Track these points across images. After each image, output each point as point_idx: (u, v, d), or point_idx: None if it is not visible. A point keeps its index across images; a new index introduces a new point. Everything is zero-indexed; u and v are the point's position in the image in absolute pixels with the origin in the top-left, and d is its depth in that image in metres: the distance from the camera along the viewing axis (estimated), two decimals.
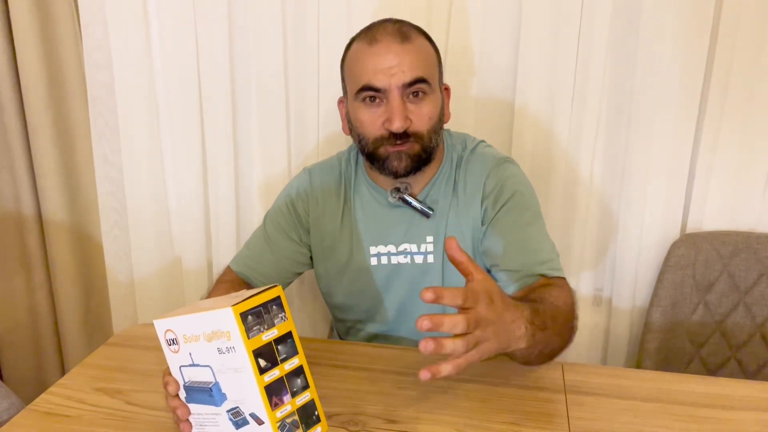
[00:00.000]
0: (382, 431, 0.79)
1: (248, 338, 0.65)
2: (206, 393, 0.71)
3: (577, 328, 0.93)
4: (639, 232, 1.32)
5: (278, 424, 0.66)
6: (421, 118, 0.98)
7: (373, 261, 1.08)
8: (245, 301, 0.66)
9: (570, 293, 0.94)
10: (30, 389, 1.55)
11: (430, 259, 1.07)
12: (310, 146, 1.43)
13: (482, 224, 1.04)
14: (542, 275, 0.96)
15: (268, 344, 0.67)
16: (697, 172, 1.30)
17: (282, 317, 0.69)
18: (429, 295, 0.65)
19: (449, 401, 0.86)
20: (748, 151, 1.26)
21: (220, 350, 0.67)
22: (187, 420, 0.75)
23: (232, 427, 0.69)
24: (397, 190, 1.05)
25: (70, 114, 1.46)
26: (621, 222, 1.34)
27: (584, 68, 1.26)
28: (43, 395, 0.85)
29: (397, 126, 0.95)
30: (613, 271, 1.37)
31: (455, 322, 0.65)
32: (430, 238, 1.06)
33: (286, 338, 0.69)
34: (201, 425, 0.74)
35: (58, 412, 0.82)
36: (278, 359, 0.67)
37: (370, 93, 0.97)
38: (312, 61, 1.36)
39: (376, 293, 1.10)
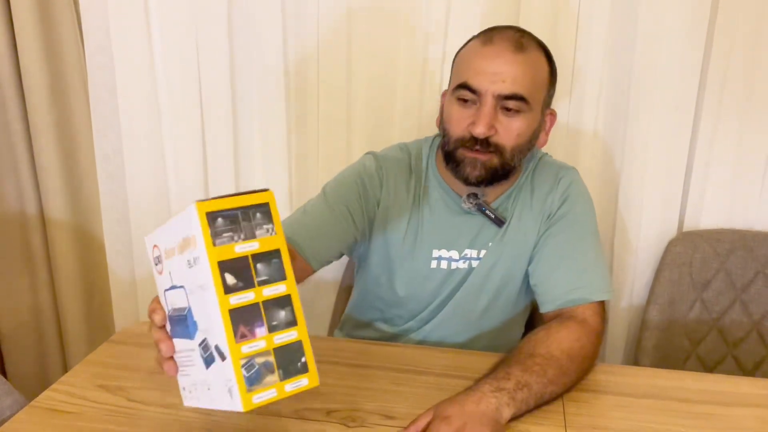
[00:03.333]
0: (381, 427, 0.80)
1: (213, 245, 0.51)
2: (184, 323, 0.59)
3: (590, 367, 0.93)
4: (636, 230, 1.32)
5: (243, 362, 0.52)
6: (508, 132, 0.95)
7: (433, 264, 1.06)
8: (218, 199, 0.53)
9: (586, 332, 0.92)
10: (33, 387, 1.56)
11: (475, 264, 1.06)
12: (311, 144, 1.43)
13: (542, 226, 1.04)
14: (572, 303, 0.97)
15: (243, 259, 0.53)
16: (694, 171, 1.30)
17: (268, 230, 0.54)
18: None
19: (446, 398, 0.87)
20: (746, 150, 1.26)
21: (189, 263, 0.54)
22: (171, 358, 0.64)
23: (203, 366, 0.57)
24: (474, 196, 1.03)
25: (72, 114, 1.47)
26: (618, 220, 1.34)
27: (582, 64, 1.27)
28: (45, 392, 0.86)
29: (479, 131, 0.93)
30: (611, 270, 1.38)
31: None
32: (490, 243, 1.05)
33: (270, 257, 0.54)
34: (183, 366, 0.63)
35: (61, 409, 0.83)
36: (255, 280, 0.53)
37: (467, 93, 0.95)
38: (312, 59, 1.36)
39: (426, 296, 1.09)
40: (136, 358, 0.97)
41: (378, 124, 1.37)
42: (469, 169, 0.97)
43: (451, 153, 0.99)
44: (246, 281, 0.53)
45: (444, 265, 1.07)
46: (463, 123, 0.96)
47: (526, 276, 1.07)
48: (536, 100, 0.97)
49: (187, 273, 0.56)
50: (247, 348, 0.52)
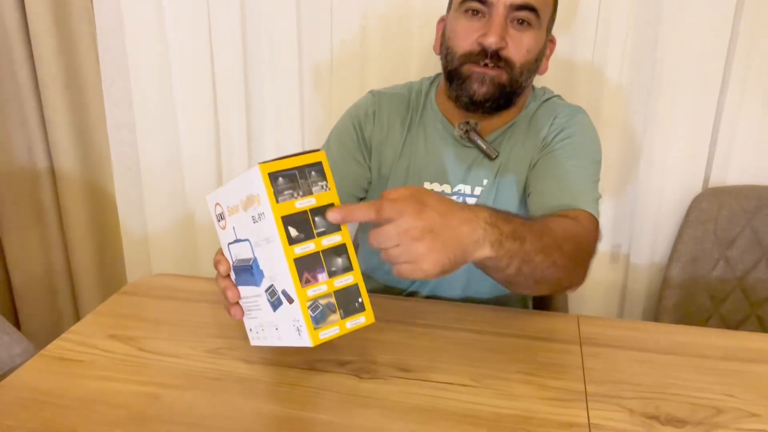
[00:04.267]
0: (395, 379, 0.78)
1: (276, 202, 0.58)
2: (249, 272, 0.65)
3: (584, 266, 0.86)
4: (660, 185, 1.28)
5: (309, 303, 0.59)
6: (519, 46, 0.92)
7: None
8: (277, 161, 0.58)
9: (581, 226, 0.87)
10: (46, 341, 1.56)
11: (473, 201, 1.02)
12: (323, 102, 1.40)
13: (534, 158, 1.00)
14: (564, 209, 0.91)
15: (302, 213, 0.59)
16: (722, 125, 1.25)
17: (323, 186, 0.61)
18: (335, 215, 0.62)
19: (463, 352, 0.84)
20: None
21: (254, 219, 0.61)
22: (237, 303, 0.71)
23: (270, 309, 0.64)
24: (467, 123, 0.99)
25: (80, 65, 1.44)
26: (642, 176, 1.30)
27: (607, 15, 1.21)
28: (55, 341, 0.85)
29: (491, 41, 0.90)
30: (632, 227, 1.34)
31: (366, 209, 0.62)
32: (486, 181, 1.02)
33: (325, 211, 0.61)
34: (249, 310, 0.70)
35: (71, 357, 0.82)
36: (314, 232, 0.60)
37: (475, 5, 0.92)
38: (325, 19, 1.32)
39: None
40: (147, 308, 0.96)
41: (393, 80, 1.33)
42: (476, 85, 0.93)
43: (456, 70, 0.95)
44: (306, 233, 0.59)
45: None
46: (471, 36, 0.93)
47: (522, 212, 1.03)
48: (544, 18, 0.94)
49: (252, 227, 0.62)
50: (312, 291, 0.59)
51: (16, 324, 1.58)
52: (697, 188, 1.28)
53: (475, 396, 0.75)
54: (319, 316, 0.59)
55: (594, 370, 0.81)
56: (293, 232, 0.58)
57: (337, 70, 1.36)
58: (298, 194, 0.59)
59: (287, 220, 0.58)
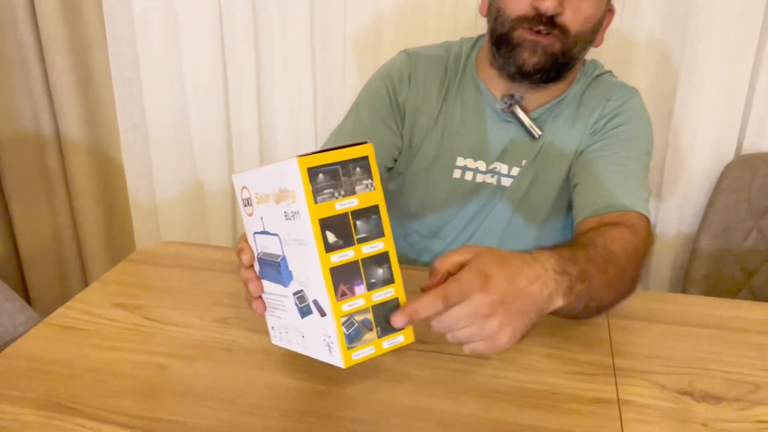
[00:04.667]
0: (412, 351, 0.74)
1: (315, 202, 0.51)
2: (275, 269, 0.59)
3: (642, 278, 0.79)
4: (690, 152, 1.22)
5: (344, 320, 0.52)
6: (577, 13, 0.84)
7: (456, 174, 0.97)
8: (317, 155, 0.51)
9: (639, 237, 0.79)
10: (54, 310, 1.55)
11: (507, 182, 0.96)
12: (336, 66, 1.34)
13: (584, 143, 0.93)
14: (616, 209, 0.84)
15: (343, 216, 0.53)
16: (757, 90, 1.18)
17: (368, 185, 0.53)
18: (400, 321, 0.55)
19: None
20: None
21: (286, 215, 0.54)
22: (260, 298, 0.64)
23: (298, 315, 0.58)
24: (511, 97, 0.92)
25: (85, 27, 1.39)
26: (671, 141, 1.24)
27: None
28: (60, 309, 0.83)
29: (547, 5, 0.81)
30: (659, 195, 1.28)
31: (433, 303, 0.56)
32: (525, 162, 0.94)
33: (369, 213, 0.54)
34: (272, 307, 0.63)
35: (76, 326, 0.79)
36: (354, 238, 0.53)
37: None
38: None
39: (447, 209, 1.00)
40: (155, 277, 0.93)
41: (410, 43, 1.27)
42: (527, 54, 0.86)
43: (505, 35, 0.87)
44: (346, 239, 0.53)
45: (469, 176, 0.97)
46: None
47: (563, 201, 0.97)
48: None
49: (284, 224, 0.56)
50: (348, 306, 0.53)
51: (25, 294, 1.56)
52: (730, 155, 1.22)
53: (497, 370, 0.71)
54: (353, 333, 0.53)
55: (622, 344, 0.76)
56: (331, 237, 0.52)
57: (351, 18, 1.30)
58: (339, 194, 0.52)
59: (325, 224, 0.52)
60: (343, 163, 0.53)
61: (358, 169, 0.53)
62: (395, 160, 1.00)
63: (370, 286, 0.54)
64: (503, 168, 0.96)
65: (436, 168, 0.97)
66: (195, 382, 0.69)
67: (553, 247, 0.66)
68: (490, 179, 0.97)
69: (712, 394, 0.68)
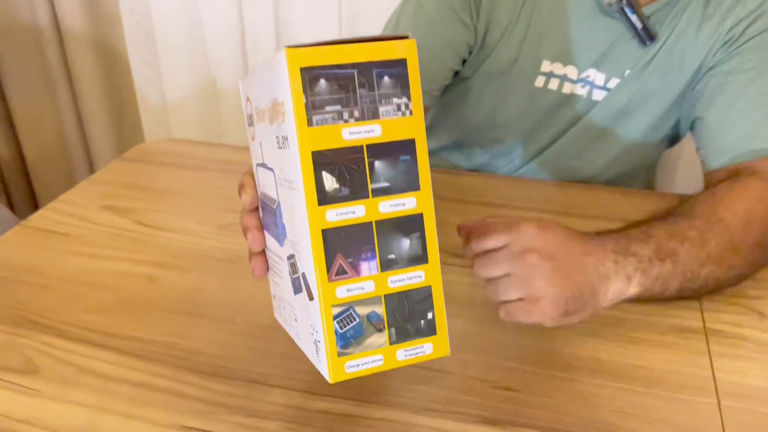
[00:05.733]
0: (449, 267, 0.61)
1: (308, 124, 0.33)
2: (273, 218, 0.42)
3: None
4: None
5: (337, 310, 0.35)
6: None
7: (539, 81, 0.78)
8: (322, 47, 0.33)
9: None
10: None
11: (600, 96, 0.78)
12: None
13: (712, 56, 0.73)
14: (759, 155, 0.66)
15: (353, 150, 0.34)
16: None
17: (401, 107, 0.35)
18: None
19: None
20: None
21: (278, 142, 0.37)
22: (262, 254, 0.46)
23: (291, 288, 0.41)
24: None
25: None
26: None
27: None
28: (40, 211, 0.72)
29: None
30: None
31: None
32: (629, 72, 0.76)
33: (397, 152, 0.35)
34: (273, 271, 0.45)
35: (57, 230, 0.68)
36: (369, 187, 0.35)
37: None
38: None
39: (522, 125, 0.83)
40: (151, 177, 0.81)
41: None
42: None
43: None
44: (354, 187, 0.35)
45: (554, 85, 0.78)
46: None
47: (668, 125, 0.80)
48: None
49: (277, 154, 0.38)
50: (345, 291, 0.35)
51: (32, 199, 1.48)
52: None
53: None
54: (350, 333, 0.35)
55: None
56: (329, 182, 0.34)
57: None
58: (351, 115, 0.34)
59: (322, 160, 0.34)
60: (363, 66, 0.34)
61: (386, 78, 0.34)
62: (464, 62, 0.81)
63: (386, 265, 0.35)
64: (599, 78, 0.77)
65: (514, 74, 0.78)
66: (187, 296, 0.58)
67: (620, 228, 0.56)
68: (581, 90, 0.78)
69: None
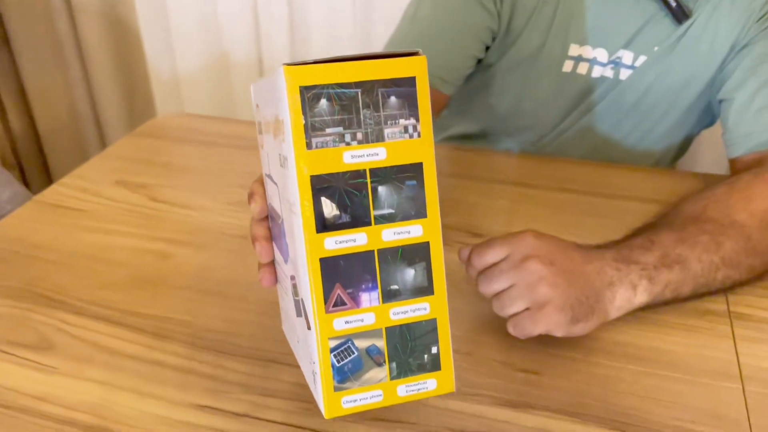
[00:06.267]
0: (465, 246, 0.60)
1: (308, 147, 0.31)
2: (279, 232, 0.40)
3: None
4: None
5: (334, 343, 0.33)
6: None
7: (567, 66, 0.75)
8: (323, 65, 0.31)
9: None
10: None
11: (626, 75, 0.75)
12: None
13: (745, 33, 0.70)
14: None
15: (355, 174, 0.32)
16: None
17: (408, 129, 0.33)
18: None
19: (551, 215, 0.66)
20: None
21: (281, 160, 0.35)
22: (270, 265, 0.43)
23: (293, 308, 0.39)
24: None
25: None
26: None
27: None
28: (53, 186, 0.71)
29: None
30: None
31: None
32: (657, 49, 0.73)
33: (403, 176, 0.33)
34: (280, 282, 0.43)
35: (69, 205, 0.68)
36: (371, 214, 0.33)
37: None
38: None
39: (549, 112, 0.80)
40: (164, 152, 0.80)
41: None
42: None
43: None
44: (355, 214, 0.33)
45: (583, 69, 0.75)
46: None
47: (699, 106, 0.77)
48: None
49: (280, 172, 0.35)
50: (343, 323, 0.33)
51: (46, 174, 1.48)
52: None
53: None
54: (348, 367, 0.34)
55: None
56: (329, 208, 0.32)
57: None
58: (353, 137, 0.32)
59: (321, 185, 0.32)
60: (368, 85, 0.32)
61: (393, 98, 0.32)
62: (487, 49, 0.77)
63: (389, 296, 0.34)
64: (627, 57, 0.74)
65: (541, 59, 0.75)
66: (201, 274, 0.57)
67: (622, 238, 0.54)
68: (610, 72, 0.75)
69: None
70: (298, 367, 0.47)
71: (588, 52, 0.74)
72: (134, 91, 1.44)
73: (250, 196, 0.42)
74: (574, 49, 0.74)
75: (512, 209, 0.68)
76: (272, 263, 0.42)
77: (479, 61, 0.78)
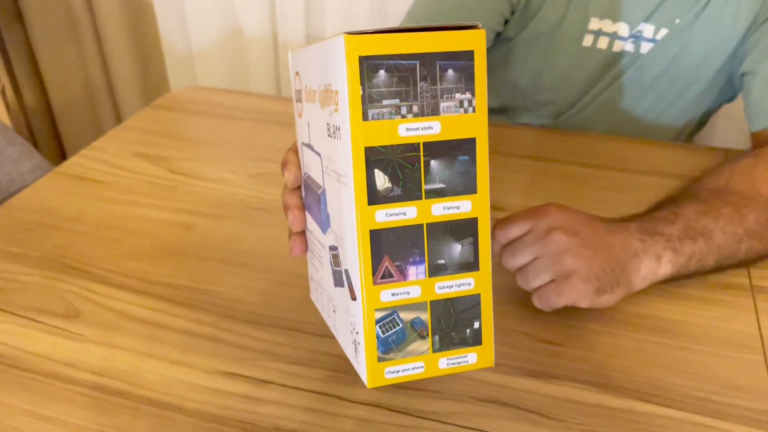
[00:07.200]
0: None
1: (363, 118, 0.31)
2: (317, 202, 0.40)
3: None
4: None
5: (380, 314, 0.34)
6: None
7: (587, 41, 0.75)
8: (383, 35, 0.31)
9: None
10: None
11: (647, 49, 0.74)
12: None
13: (758, 22, 0.69)
14: None
15: (409, 148, 0.32)
16: None
17: (462, 102, 0.32)
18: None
19: (571, 188, 0.66)
20: None
21: (329, 130, 0.35)
22: (302, 234, 0.43)
23: (331, 279, 0.39)
24: None
25: None
26: None
27: None
28: (73, 158, 0.71)
29: None
30: None
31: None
32: (678, 21, 0.71)
33: (456, 151, 0.33)
34: (311, 251, 0.44)
35: (90, 177, 0.68)
36: (422, 188, 0.33)
37: None
38: None
39: (570, 87, 0.79)
40: (183, 125, 0.80)
41: None
42: None
43: None
44: (407, 187, 0.32)
45: (603, 43, 0.74)
46: None
47: (720, 80, 0.75)
48: None
49: (326, 142, 0.36)
50: (390, 294, 0.33)
51: (60, 148, 1.48)
52: None
53: None
54: (392, 338, 0.34)
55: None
56: (381, 181, 0.32)
57: None
58: (410, 110, 0.32)
59: (375, 158, 0.32)
60: (427, 58, 0.31)
61: (450, 71, 0.32)
62: (505, 23, 0.76)
63: (435, 270, 0.34)
64: (648, 30, 0.72)
65: (561, 34, 0.75)
66: (224, 245, 0.57)
67: (644, 211, 0.54)
68: (630, 46, 0.74)
69: None
70: (322, 335, 0.48)
71: (608, 26, 0.73)
72: (148, 66, 1.44)
73: (284, 164, 0.42)
74: (594, 23, 0.73)
75: (533, 183, 0.67)
76: (303, 232, 0.43)
77: (498, 35, 0.77)
